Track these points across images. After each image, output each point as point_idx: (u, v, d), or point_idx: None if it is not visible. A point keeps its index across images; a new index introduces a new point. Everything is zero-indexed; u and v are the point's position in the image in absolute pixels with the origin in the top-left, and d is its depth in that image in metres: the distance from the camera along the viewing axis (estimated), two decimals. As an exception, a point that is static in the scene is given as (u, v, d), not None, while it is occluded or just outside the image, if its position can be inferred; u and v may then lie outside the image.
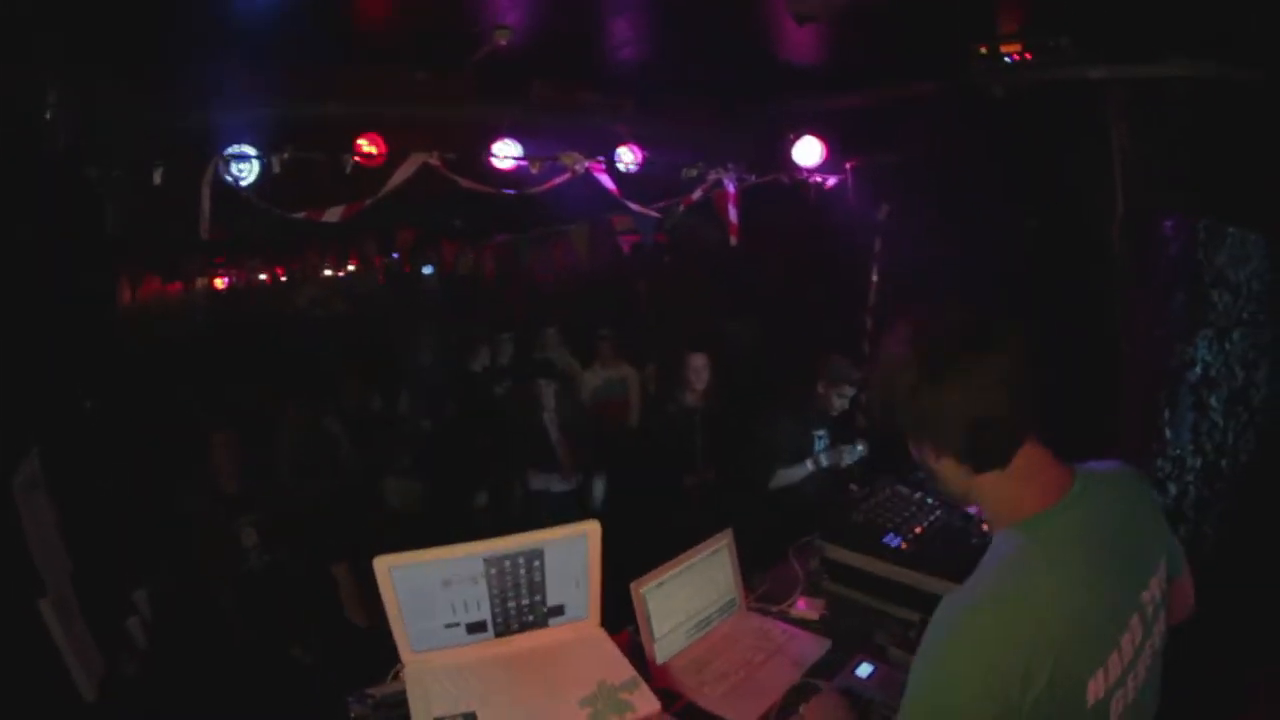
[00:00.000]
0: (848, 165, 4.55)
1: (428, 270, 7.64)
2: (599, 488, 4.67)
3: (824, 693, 1.87)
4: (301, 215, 3.38)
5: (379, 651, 1.83)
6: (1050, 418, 1.20)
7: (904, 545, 2.40)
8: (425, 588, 1.72)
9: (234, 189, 3.29)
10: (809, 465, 3.93)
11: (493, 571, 1.78)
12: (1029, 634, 1.05)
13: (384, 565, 1.65)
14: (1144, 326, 3.34)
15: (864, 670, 2.02)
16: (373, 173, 3.52)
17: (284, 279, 7.21)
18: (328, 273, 8.21)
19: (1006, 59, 3.70)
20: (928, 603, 2.16)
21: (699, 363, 4.57)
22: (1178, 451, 3.20)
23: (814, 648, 2.20)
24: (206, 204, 3.26)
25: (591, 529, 1.87)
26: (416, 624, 1.75)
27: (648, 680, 1.94)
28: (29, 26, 2.58)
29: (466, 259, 6.59)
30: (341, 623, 3.51)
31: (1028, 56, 3.66)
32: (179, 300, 6.68)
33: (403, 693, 1.68)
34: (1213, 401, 3.19)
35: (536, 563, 1.83)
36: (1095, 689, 1.09)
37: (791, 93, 4.44)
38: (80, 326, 3.15)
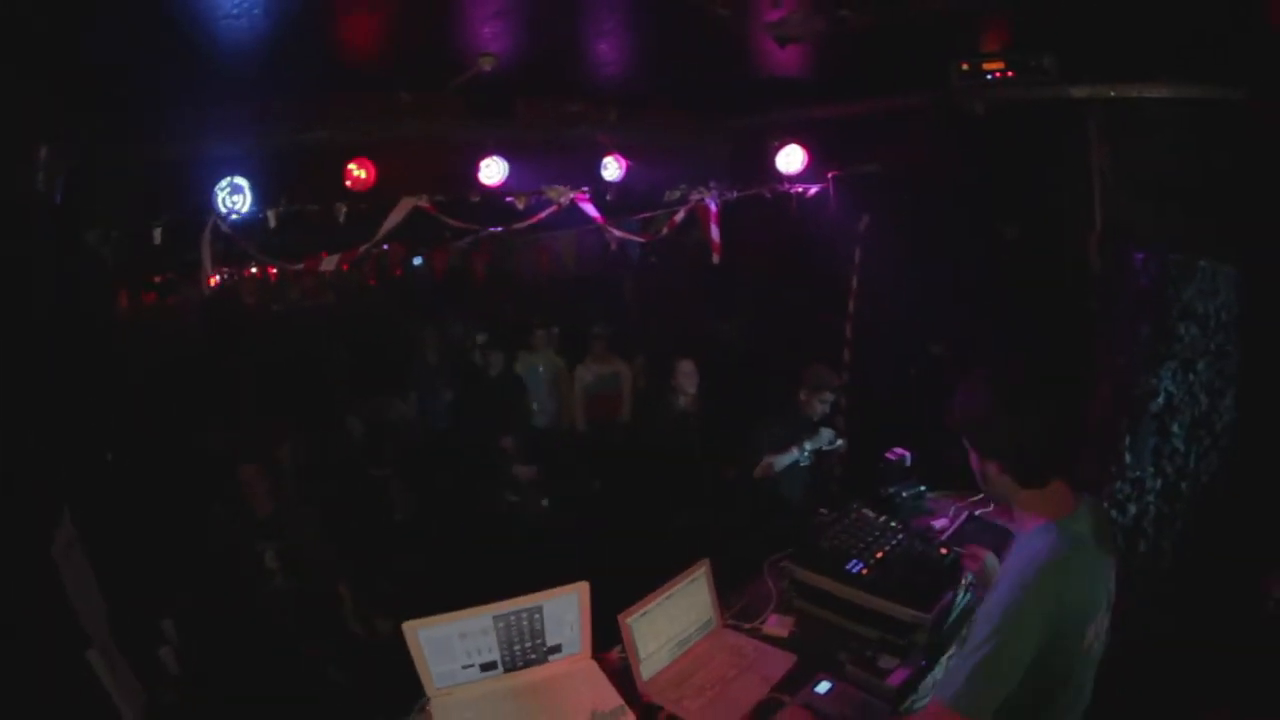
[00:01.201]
0: (829, 175, 4.64)
1: (417, 261, 7.70)
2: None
3: (789, 710, 2.17)
4: (300, 267, 3.51)
5: (382, 660, 2.07)
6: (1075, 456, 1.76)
7: (865, 571, 2.67)
8: (445, 640, 2.02)
9: (234, 240, 3.39)
10: (795, 452, 4.18)
11: (500, 625, 2.08)
12: (1066, 594, 1.64)
13: (411, 629, 1.95)
14: (1109, 354, 3.50)
15: (823, 687, 2.30)
16: (366, 217, 3.66)
17: (274, 274, 7.25)
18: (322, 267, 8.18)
19: (988, 76, 3.76)
20: (885, 623, 2.48)
21: (688, 368, 4.77)
22: (1137, 474, 3.39)
23: (781, 664, 2.47)
24: (208, 261, 3.41)
25: (582, 588, 2.19)
26: (438, 667, 2.04)
27: (634, 696, 2.23)
28: (14, 90, 2.64)
29: (456, 258, 6.72)
30: (345, 634, 3.77)
31: (1010, 74, 3.73)
32: (176, 305, 6.75)
33: (430, 726, 1.97)
34: (1174, 428, 3.36)
35: (537, 615, 2.13)
36: (1090, 636, 1.70)
37: (774, 103, 4.52)
38: (92, 383, 3.26)
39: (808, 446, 4.20)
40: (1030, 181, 3.99)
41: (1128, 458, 3.40)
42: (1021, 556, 1.73)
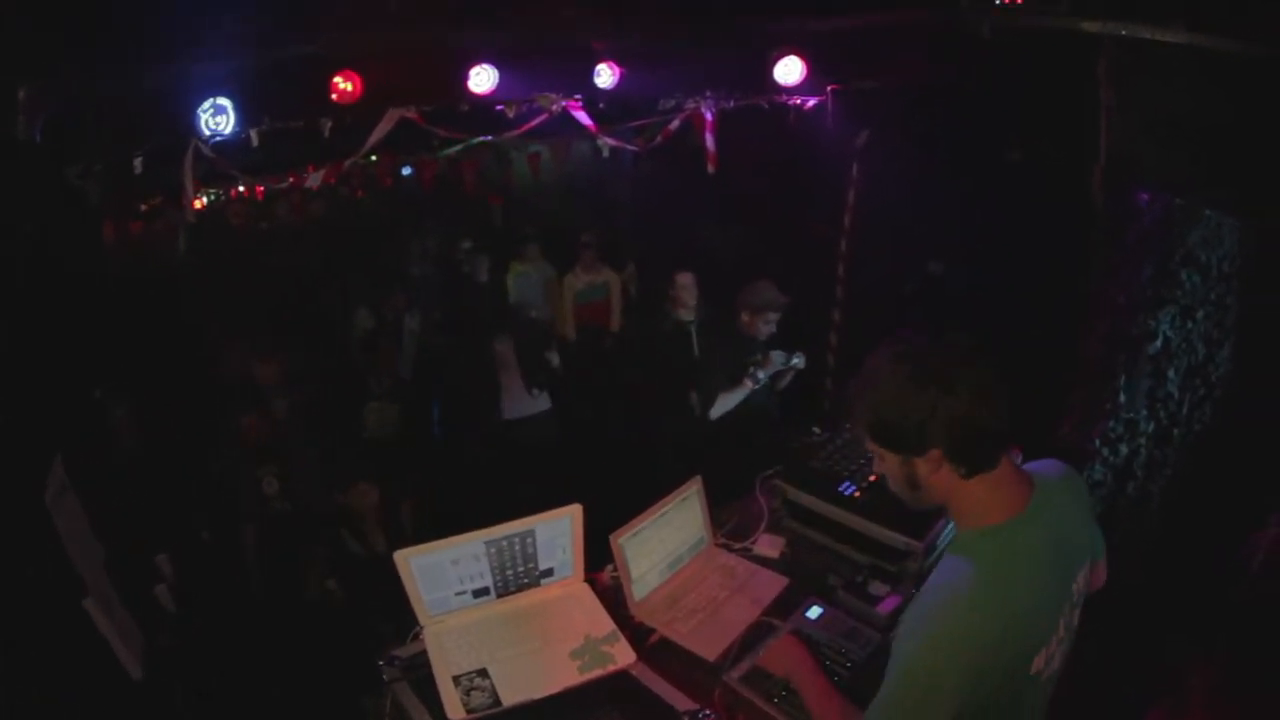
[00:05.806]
0: (828, 88, 4.48)
1: (407, 171, 7.55)
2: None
3: (780, 635, 2.15)
4: (287, 184, 3.41)
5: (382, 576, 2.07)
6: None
7: (858, 494, 2.65)
8: (437, 568, 2.03)
9: (217, 162, 3.30)
10: (748, 384, 4.06)
11: (492, 550, 2.09)
12: (995, 632, 1.33)
13: (403, 557, 1.96)
14: (1109, 290, 3.47)
15: (813, 612, 2.31)
16: (352, 129, 3.53)
17: (261, 192, 7.07)
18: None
19: (996, 1, 3.63)
20: (876, 548, 2.48)
21: (686, 281, 4.59)
22: (1130, 414, 3.39)
23: (773, 586, 2.49)
24: (190, 186, 3.35)
25: (575, 511, 2.17)
26: (431, 595, 2.06)
27: (626, 618, 2.26)
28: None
29: (445, 167, 6.58)
30: (347, 554, 3.84)
31: (1018, 1, 3.60)
32: (164, 231, 6.60)
33: (424, 653, 2.01)
34: (1170, 373, 3.32)
35: (529, 539, 2.13)
36: (1038, 663, 1.40)
37: (775, 11, 4.31)
38: (79, 323, 3.18)
39: (761, 375, 4.05)
40: (1034, 110, 3.89)
41: (1121, 397, 3.41)
42: (940, 579, 1.41)
